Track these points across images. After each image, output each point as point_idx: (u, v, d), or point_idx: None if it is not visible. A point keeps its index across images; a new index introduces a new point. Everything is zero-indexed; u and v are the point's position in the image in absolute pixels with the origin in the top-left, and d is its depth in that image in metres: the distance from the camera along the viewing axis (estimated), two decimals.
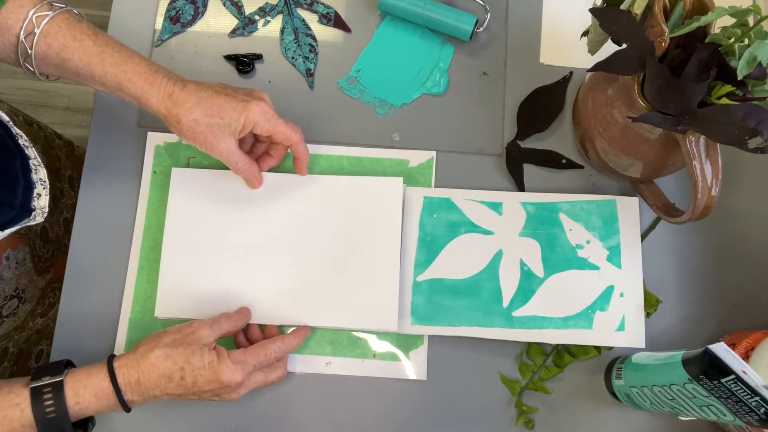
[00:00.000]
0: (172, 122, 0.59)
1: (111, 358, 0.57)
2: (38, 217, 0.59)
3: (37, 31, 0.56)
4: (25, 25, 0.56)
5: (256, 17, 0.74)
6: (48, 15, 0.57)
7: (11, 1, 0.56)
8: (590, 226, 0.68)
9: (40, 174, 0.59)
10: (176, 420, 0.64)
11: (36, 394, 0.54)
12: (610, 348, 0.66)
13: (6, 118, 0.57)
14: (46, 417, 0.54)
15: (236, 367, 0.58)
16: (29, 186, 0.59)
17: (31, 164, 0.59)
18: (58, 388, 0.55)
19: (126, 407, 0.57)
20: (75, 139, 0.97)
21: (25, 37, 0.57)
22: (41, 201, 0.59)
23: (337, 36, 0.74)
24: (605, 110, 0.61)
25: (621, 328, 0.65)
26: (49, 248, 0.80)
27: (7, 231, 0.57)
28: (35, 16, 0.56)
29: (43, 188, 0.59)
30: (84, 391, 0.55)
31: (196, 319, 0.60)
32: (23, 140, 0.58)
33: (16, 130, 0.58)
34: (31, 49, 0.57)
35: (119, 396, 0.56)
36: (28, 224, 0.58)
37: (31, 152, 0.58)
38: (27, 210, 0.59)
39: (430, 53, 0.73)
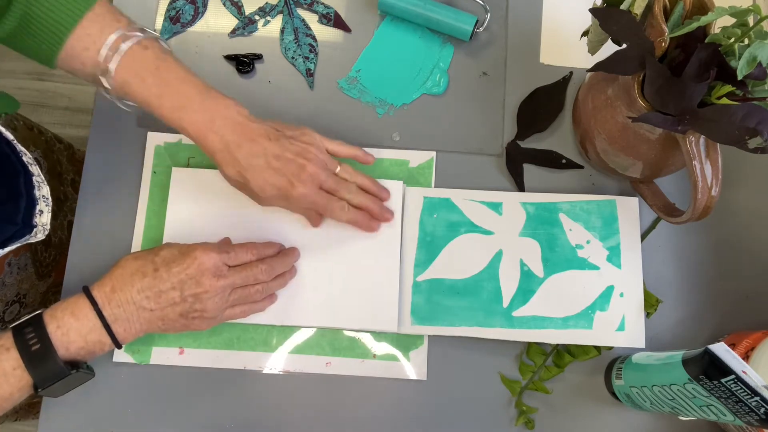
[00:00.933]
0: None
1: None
2: (39, 234, 0.59)
3: (111, 67, 0.55)
4: (99, 65, 0.56)
5: (256, 17, 0.74)
6: (117, 56, 0.55)
7: (79, 40, 0.55)
8: (590, 226, 0.68)
9: (43, 191, 0.59)
10: (176, 420, 0.64)
11: (18, 331, 0.54)
12: (610, 348, 0.66)
13: (10, 136, 0.57)
14: (31, 350, 0.53)
15: (209, 247, 0.58)
16: (32, 202, 0.60)
17: (34, 181, 0.59)
18: (38, 320, 0.55)
19: (108, 328, 0.55)
20: (75, 139, 0.97)
21: (101, 76, 0.56)
22: (43, 218, 0.59)
23: (337, 36, 0.74)
24: (605, 110, 0.61)
25: (621, 328, 0.65)
26: (51, 252, 0.80)
27: (7, 248, 0.57)
28: (106, 54, 0.55)
29: (46, 205, 0.59)
30: (62, 314, 0.55)
31: None
32: (27, 158, 0.58)
33: (20, 147, 0.58)
34: (106, 85, 0.57)
35: (96, 309, 0.55)
36: (28, 241, 0.58)
37: (35, 169, 0.59)
38: (28, 226, 0.59)
39: (430, 53, 0.73)
